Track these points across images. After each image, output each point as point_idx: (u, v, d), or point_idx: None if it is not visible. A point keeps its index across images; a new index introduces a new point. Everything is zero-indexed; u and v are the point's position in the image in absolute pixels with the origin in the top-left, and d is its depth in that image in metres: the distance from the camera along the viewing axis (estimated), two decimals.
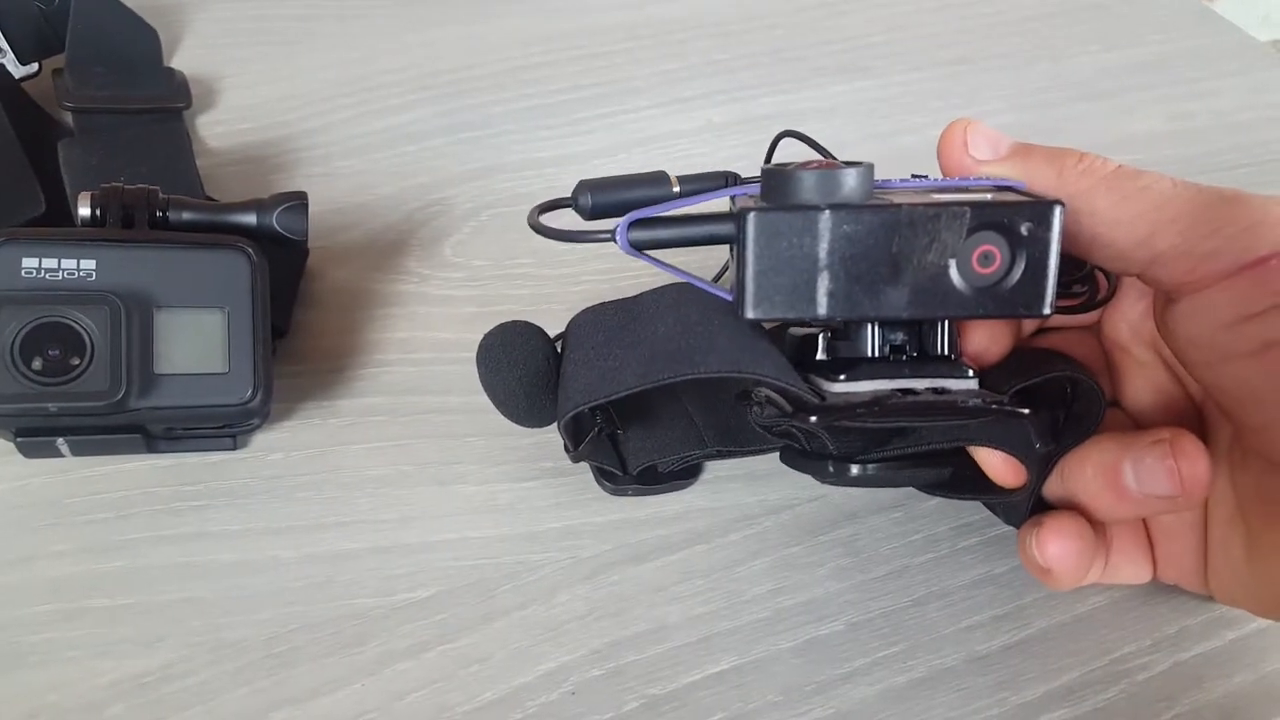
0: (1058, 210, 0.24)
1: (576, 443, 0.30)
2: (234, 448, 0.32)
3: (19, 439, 0.30)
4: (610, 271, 0.40)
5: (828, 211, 0.24)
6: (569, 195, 0.28)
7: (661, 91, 0.51)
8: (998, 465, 0.28)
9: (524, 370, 0.29)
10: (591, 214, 0.28)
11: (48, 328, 0.29)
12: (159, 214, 0.32)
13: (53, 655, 0.28)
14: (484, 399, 0.34)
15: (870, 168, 0.24)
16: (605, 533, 0.32)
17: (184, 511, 0.31)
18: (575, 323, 0.30)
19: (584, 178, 0.28)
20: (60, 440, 0.31)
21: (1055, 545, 0.26)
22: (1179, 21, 0.57)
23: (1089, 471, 0.26)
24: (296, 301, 0.37)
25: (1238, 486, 0.26)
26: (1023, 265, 0.24)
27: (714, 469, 0.33)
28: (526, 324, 0.30)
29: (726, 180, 0.27)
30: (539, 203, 0.29)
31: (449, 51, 0.52)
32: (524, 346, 0.30)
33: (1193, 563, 0.28)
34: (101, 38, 0.47)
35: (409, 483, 0.32)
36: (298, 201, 0.33)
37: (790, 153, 0.30)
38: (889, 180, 0.27)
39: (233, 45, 0.51)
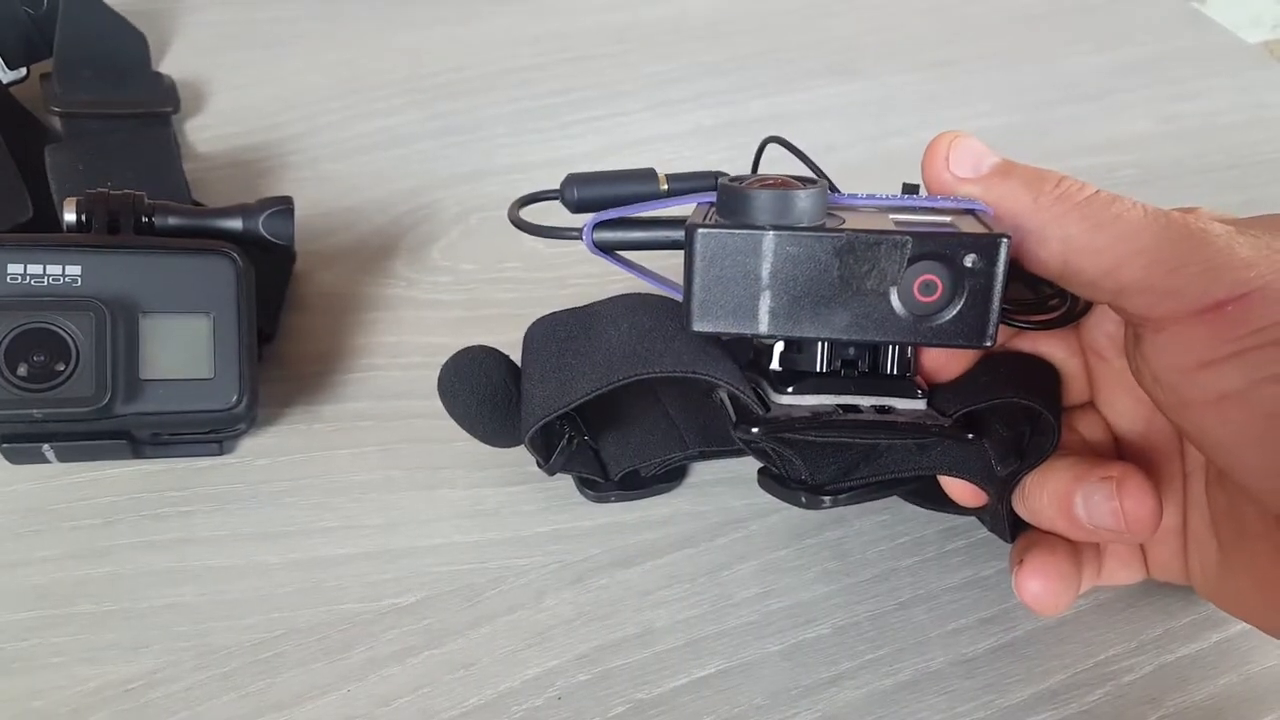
0: (1004, 244, 0.23)
1: (547, 456, 0.30)
2: (220, 453, 0.32)
3: (4, 445, 0.30)
4: (598, 275, 0.40)
5: (771, 233, 0.24)
6: (555, 189, 0.28)
7: (651, 94, 0.51)
8: (955, 488, 0.28)
9: (483, 394, 0.30)
10: (578, 207, 0.28)
11: (33, 333, 0.29)
12: (145, 219, 0.32)
13: (37, 661, 0.28)
14: None
15: (824, 189, 0.24)
16: (592, 537, 0.31)
17: (170, 517, 0.31)
18: (530, 335, 0.31)
19: (573, 171, 0.28)
20: (46, 446, 0.31)
21: (1035, 584, 0.26)
22: (1169, 23, 0.57)
23: (1045, 498, 0.26)
24: (284, 306, 0.37)
25: (1212, 501, 0.26)
26: (964, 296, 0.24)
27: (699, 473, 0.33)
28: (480, 348, 0.30)
29: (716, 180, 0.27)
30: (521, 195, 0.29)
31: (436, 54, 0.52)
32: (478, 372, 0.30)
33: (1179, 566, 0.28)
34: (89, 42, 0.47)
35: (395, 487, 0.32)
36: (284, 206, 0.33)
37: (778, 159, 0.30)
38: (854, 195, 0.27)
39: (220, 49, 0.51)
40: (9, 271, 0.29)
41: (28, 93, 0.45)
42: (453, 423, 0.34)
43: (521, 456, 0.33)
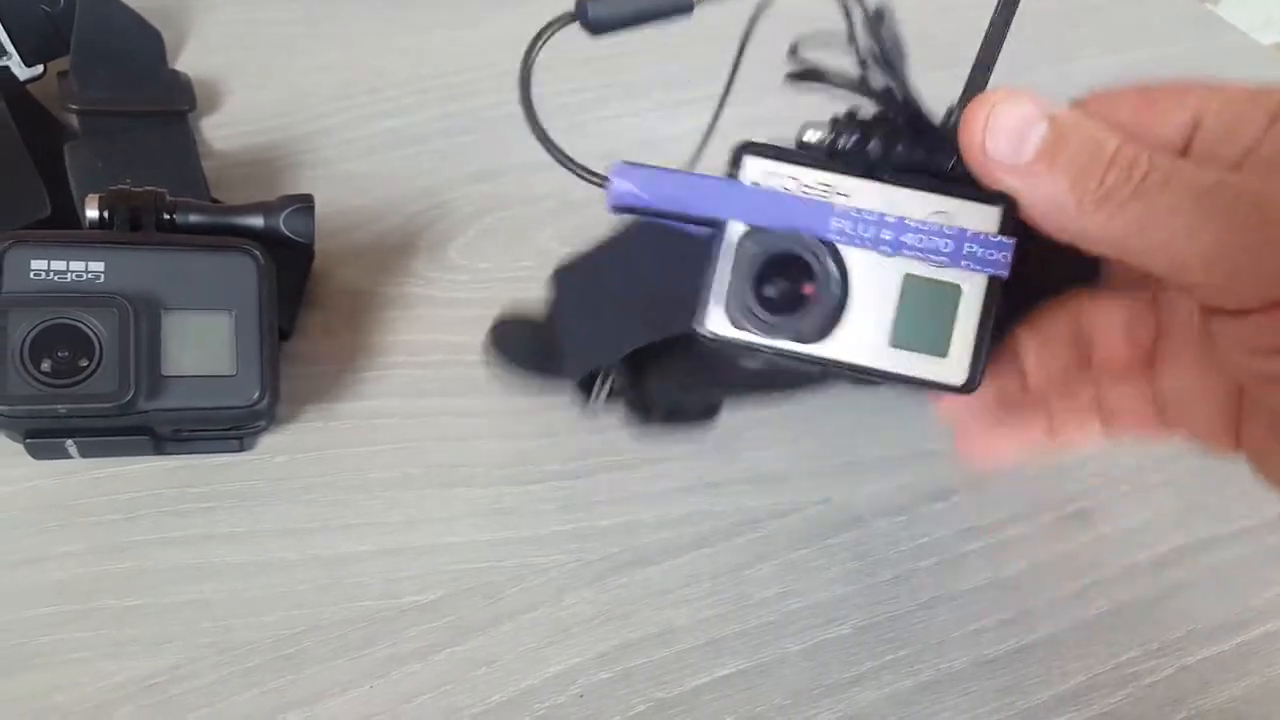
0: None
1: (587, 397, 0.31)
2: (240, 450, 0.32)
3: (28, 440, 0.30)
4: None
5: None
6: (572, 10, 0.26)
7: (661, 94, 0.51)
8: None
9: (520, 355, 0.32)
10: (596, 28, 0.27)
11: (57, 329, 0.29)
12: (166, 216, 0.32)
13: (60, 656, 0.28)
14: (489, 402, 0.35)
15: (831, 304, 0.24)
16: (611, 535, 0.32)
17: (191, 513, 0.31)
18: (559, 276, 0.31)
19: None
20: (69, 442, 0.31)
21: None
22: (1180, 24, 0.57)
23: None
24: (301, 304, 0.37)
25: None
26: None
27: (715, 472, 0.33)
28: (502, 320, 0.33)
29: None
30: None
31: (445, 55, 0.52)
32: (508, 338, 0.32)
33: (1221, 420, 0.24)
34: (106, 40, 0.47)
35: (415, 485, 0.32)
36: (304, 204, 0.33)
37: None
38: (852, 214, 0.25)
39: (233, 48, 0.51)
40: (33, 268, 0.29)
41: (44, 90, 0.45)
42: (472, 421, 0.35)
43: (540, 455, 0.33)
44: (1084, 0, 0.59)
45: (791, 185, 0.25)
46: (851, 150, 0.25)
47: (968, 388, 0.25)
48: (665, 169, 0.26)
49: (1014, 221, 0.24)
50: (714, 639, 0.29)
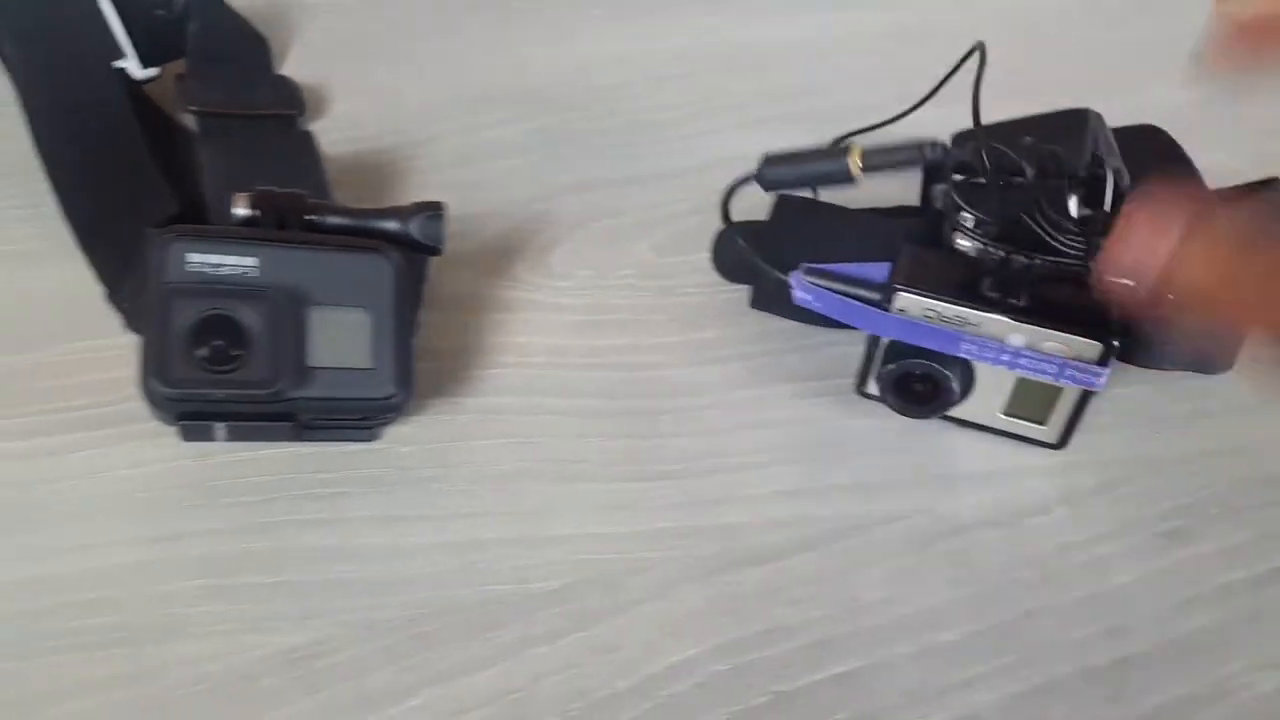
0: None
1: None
2: (371, 439, 0.34)
3: (181, 422, 0.31)
4: (706, 286, 0.41)
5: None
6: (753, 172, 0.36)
7: (744, 111, 0.52)
8: None
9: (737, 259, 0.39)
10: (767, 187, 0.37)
11: (214, 319, 0.30)
12: (307, 218, 0.34)
13: (209, 628, 0.29)
14: (596, 403, 0.36)
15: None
16: (718, 535, 0.33)
17: (324, 497, 0.33)
18: (783, 198, 0.39)
19: (768, 152, 0.36)
20: (218, 425, 0.32)
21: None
22: None
23: None
24: (420, 304, 0.39)
25: None
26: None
27: (817, 478, 0.34)
28: (727, 227, 0.39)
29: (921, 151, 0.31)
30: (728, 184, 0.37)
31: (543, 70, 0.54)
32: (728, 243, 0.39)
33: None
34: (219, 44, 0.49)
35: (532, 478, 0.34)
36: (435, 211, 0.35)
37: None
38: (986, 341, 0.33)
39: (336, 56, 0.53)
40: (189, 260, 0.31)
41: (156, 91, 0.47)
42: (581, 420, 0.36)
43: (648, 455, 0.35)
44: (1159, 33, 0.60)
45: (932, 315, 0.33)
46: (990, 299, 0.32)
47: (1059, 446, 0.35)
48: (832, 290, 0.34)
49: (1113, 351, 0.31)
50: (825, 638, 0.30)
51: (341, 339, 0.32)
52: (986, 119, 0.34)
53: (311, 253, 0.32)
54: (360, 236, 0.34)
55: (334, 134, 0.48)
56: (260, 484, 0.33)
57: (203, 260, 0.31)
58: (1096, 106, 0.43)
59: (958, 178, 0.33)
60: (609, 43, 0.57)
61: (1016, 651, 0.30)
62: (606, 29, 0.57)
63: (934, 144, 0.34)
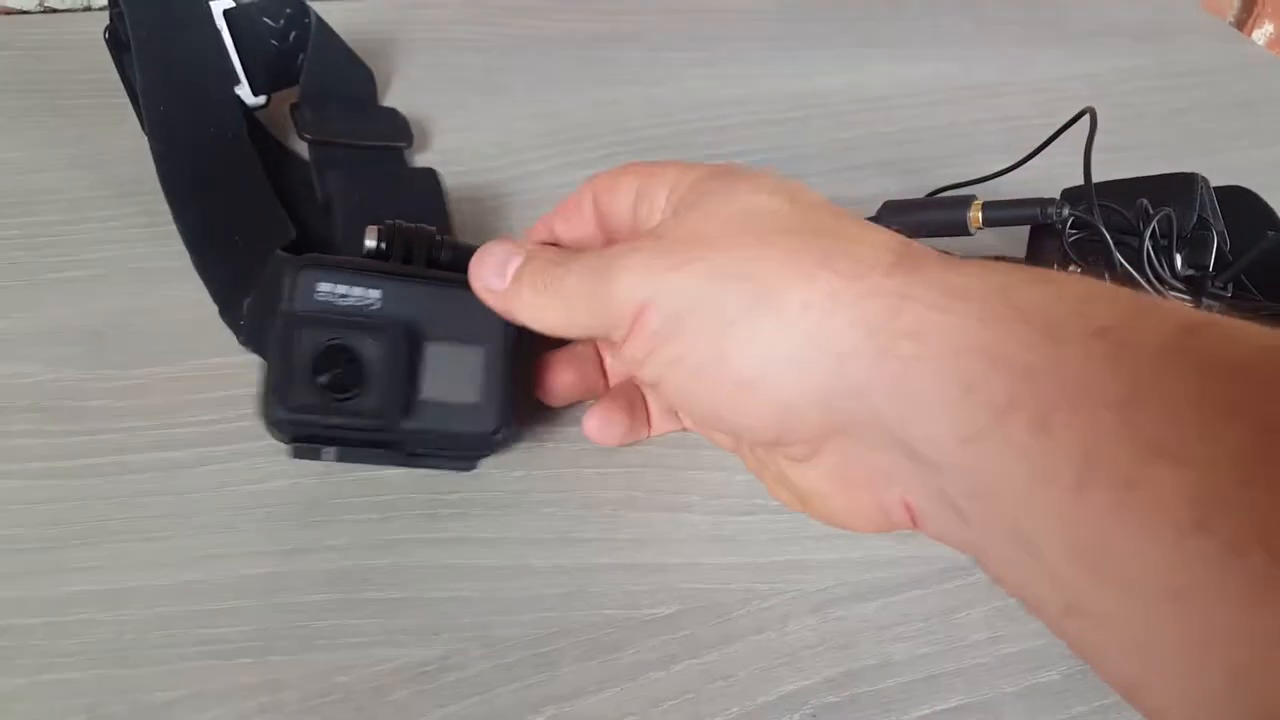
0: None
1: None
2: (469, 469, 0.35)
3: (293, 443, 0.32)
4: None
5: None
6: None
7: (831, 159, 0.54)
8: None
9: None
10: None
11: (336, 349, 0.31)
12: (432, 253, 0.35)
13: (338, 640, 0.30)
14: (695, 437, 0.37)
15: None
16: (825, 570, 0.34)
17: (441, 518, 0.34)
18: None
19: (888, 200, 0.37)
20: (326, 448, 0.33)
21: (591, 422, 0.34)
22: None
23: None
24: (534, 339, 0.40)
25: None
26: None
27: None
28: None
29: (1041, 210, 0.32)
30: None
31: (633, 110, 0.56)
32: None
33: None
34: (330, 74, 0.51)
35: (640, 507, 0.35)
36: None
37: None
38: None
39: (437, 90, 0.55)
40: (319, 289, 0.32)
41: (267, 119, 0.49)
42: (684, 453, 0.37)
43: (750, 490, 0.36)
44: (1238, 97, 0.61)
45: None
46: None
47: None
48: None
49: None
50: (932, 674, 0.31)
51: (453, 374, 0.32)
52: (1063, 173, 0.35)
53: (434, 288, 0.33)
54: None
55: (439, 167, 0.50)
56: (378, 503, 0.34)
57: (330, 290, 0.32)
58: (1186, 167, 0.45)
59: (1073, 233, 0.34)
60: (698, 85, 0.58)
61: (1114, 694, 0.30)
62: (694, 73, 0.59)
63: (1054, 201, 0.35)
